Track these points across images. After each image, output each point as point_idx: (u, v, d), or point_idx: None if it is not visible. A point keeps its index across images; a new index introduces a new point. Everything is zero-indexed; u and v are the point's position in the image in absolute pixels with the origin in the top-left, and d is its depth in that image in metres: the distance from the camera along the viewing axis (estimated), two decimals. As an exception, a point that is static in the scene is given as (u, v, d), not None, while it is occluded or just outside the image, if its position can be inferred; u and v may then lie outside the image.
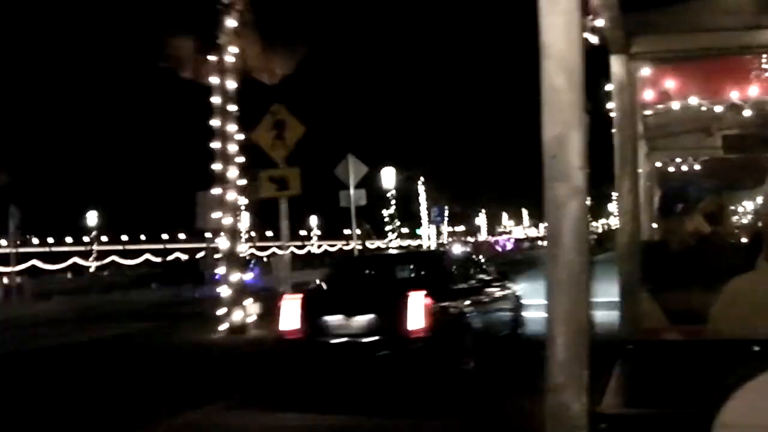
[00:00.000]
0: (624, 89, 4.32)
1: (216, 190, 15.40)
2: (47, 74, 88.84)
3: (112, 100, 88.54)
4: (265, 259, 46.55)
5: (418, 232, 77.04)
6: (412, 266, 11.30)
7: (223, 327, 15.26)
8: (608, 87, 4.38)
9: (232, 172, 15.47)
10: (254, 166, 16.12)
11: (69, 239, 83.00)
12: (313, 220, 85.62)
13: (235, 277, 15.44)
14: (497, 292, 11.31)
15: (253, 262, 33.58)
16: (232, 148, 15.47)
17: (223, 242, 15.59)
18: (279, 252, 25.74)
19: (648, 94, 7.19)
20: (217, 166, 15.38)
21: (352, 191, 17.70)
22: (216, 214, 15.26)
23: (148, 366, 12.01)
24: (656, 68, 6.60)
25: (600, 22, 3.51)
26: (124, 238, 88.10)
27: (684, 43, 4.60)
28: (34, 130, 77.17)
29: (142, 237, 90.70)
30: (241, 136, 15.66)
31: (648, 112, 7.07)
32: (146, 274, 44.06)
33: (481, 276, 11.34)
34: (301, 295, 10.06)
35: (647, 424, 3.06)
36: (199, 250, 63.04)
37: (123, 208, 78.53)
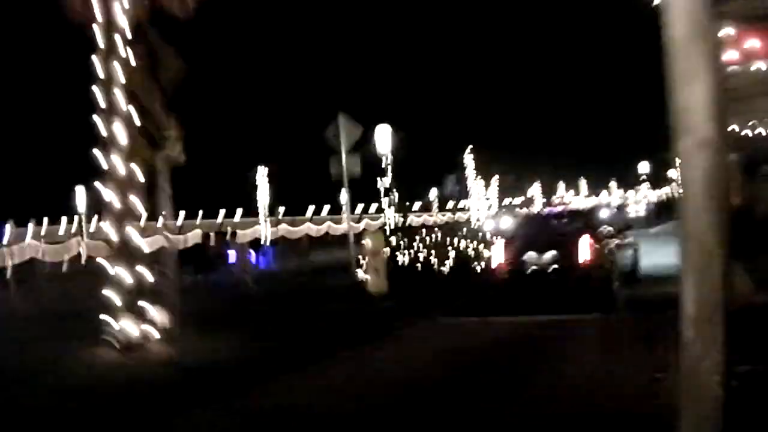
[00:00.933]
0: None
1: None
2: None
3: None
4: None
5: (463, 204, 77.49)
6: (574, 220, 15.68)
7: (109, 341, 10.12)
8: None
9: (119, 133, 10.25)
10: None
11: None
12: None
13: (127, 274, 10.13)
14: (624, 240, 15.19)
15: (266, 243, 32.61)
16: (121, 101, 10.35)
17: (108, 229, 10.26)
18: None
19: (730, 55, 7.14)
20: (101, 126, 10.33)
21: (344, 157, 15.39)
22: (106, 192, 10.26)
23: None
24: (739, 28, 6.86)
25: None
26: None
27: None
28: None
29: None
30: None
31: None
32: None
33: (612, 228, 15.33)
34: (504, 241, 14.74)
35: None
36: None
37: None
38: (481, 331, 10.67)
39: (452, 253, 18.18)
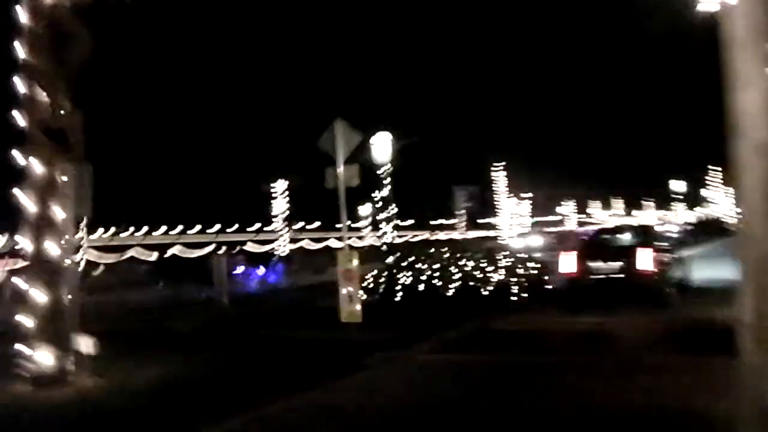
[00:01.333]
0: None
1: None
2: None
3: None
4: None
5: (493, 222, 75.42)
6: (636, 234, 17.13)
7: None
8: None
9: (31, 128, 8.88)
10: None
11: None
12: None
13: (42, 294, 8.62)
14: (676, 255, 16.68)
15: (275, 258, 30.98)
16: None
17: (24, 242, 8.77)
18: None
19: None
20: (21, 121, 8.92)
21: (341, 168, 13.37)
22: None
23: None
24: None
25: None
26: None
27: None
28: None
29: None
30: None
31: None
32: (147, 271, 35.24)
33: (665, 243, 16.73)
34: (575, 251, 15.73)
35: None
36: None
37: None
38: (464, 372, 8.86)
39: (458, 275, 16.34)
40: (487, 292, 16.12)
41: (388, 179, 15.30)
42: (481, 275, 16.40)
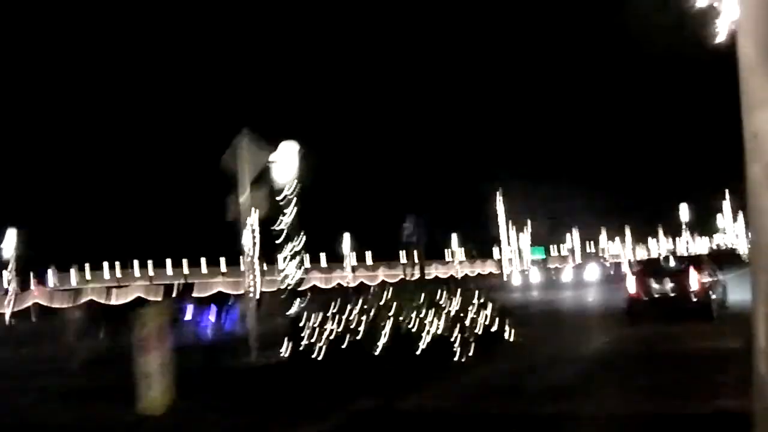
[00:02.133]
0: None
1: None
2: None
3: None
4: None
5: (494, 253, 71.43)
6: (684, 261, 21.42)
7: None
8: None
9: None
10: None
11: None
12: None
13: None
14: (717, 277, 19.82)
15: (231, 301, 27.30)
16: None
17: None
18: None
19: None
20: None
21: (246, 192, 11.85)
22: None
23: None
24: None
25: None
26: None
27: None
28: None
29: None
30: None
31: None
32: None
33: (709, 268, 19.69)
34: (637, 274, 19.68)
35: None
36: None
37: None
38: None
39: (390, 325, 13.05)
40: (422, 349, 12.81)
41: (293, 202, 12.14)
42: (417, 325, 13.09)
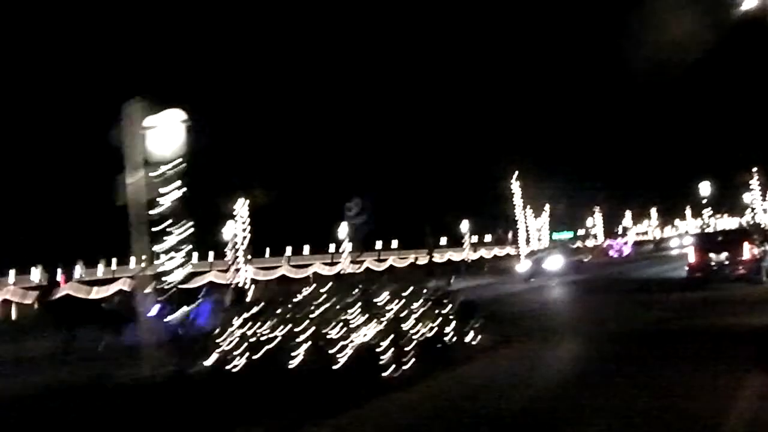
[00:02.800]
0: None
1: None
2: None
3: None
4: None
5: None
6: (738, 233, 25.68)
7: None
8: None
9: None
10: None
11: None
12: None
13: None
14: (766, 247, 22.65)
15: (202, 294, 24.83)
16: None
17: None
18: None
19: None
20: None
21: (136, 174, 9.72)
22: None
23: None
24: None
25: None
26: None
27: None
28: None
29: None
30: None
31: None
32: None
33: (758, 239, 23.10)
34: (695, 245, 23.38)
35: None
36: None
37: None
38: None
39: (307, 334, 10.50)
40: (344, 363, 10.24)
41: (176, 184, 9.62)
42: (342, 332, 10.53)
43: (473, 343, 12.31)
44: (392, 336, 10.50)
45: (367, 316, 10.81)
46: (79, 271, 47.75)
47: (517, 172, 65.22)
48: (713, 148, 70.06)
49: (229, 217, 36.21)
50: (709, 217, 52.12)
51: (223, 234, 38.01)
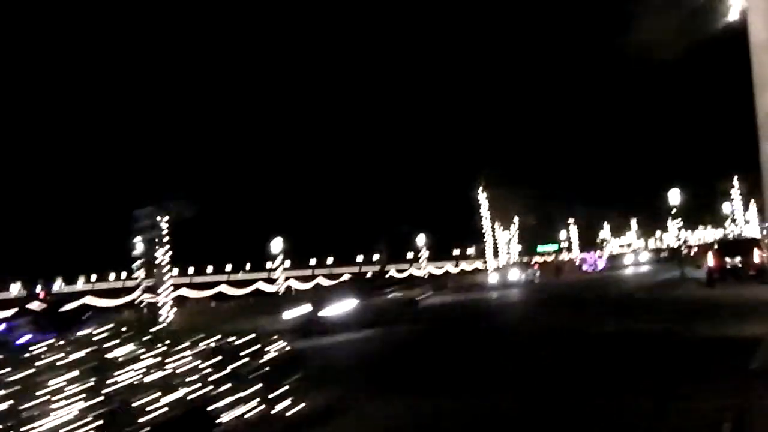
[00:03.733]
0: None
1: None
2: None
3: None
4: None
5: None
6: (749, 241, 31.35)
7: None
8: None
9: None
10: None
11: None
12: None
13: None
14: None
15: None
16: None
17: None
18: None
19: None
20: None
21: None
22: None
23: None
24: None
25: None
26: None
27: None
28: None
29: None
30: None
31: None
32: None
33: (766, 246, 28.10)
34: (717, 250, 28.54)
35: None
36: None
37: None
38: None
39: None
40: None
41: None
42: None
43: (287, 414, 8.58)
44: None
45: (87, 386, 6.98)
46: None
47: (483, 182, 61.85)
48: (690, 154, 66.95)
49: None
50: (679, 229, 48.59)
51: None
